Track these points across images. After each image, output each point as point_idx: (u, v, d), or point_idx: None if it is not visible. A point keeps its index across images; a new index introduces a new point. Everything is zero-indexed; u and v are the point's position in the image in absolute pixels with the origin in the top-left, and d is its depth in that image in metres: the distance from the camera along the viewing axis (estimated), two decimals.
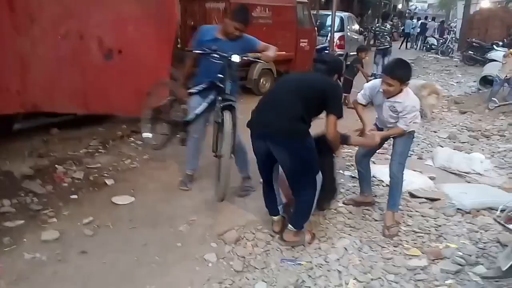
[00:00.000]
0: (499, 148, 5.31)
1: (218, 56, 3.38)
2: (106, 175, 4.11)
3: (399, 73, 2.92)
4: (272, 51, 3.46)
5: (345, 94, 7.33)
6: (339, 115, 2.80)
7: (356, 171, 3.75)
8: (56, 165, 4.15)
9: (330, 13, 10.70)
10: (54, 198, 3.59)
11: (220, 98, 3.37)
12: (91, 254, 2.84)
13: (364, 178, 3.62)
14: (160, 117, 3.98)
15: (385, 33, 9.87)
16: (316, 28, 10.35)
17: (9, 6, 4.22)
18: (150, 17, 5.27)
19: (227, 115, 3.28)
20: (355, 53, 7.84)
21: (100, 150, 4.72)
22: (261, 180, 3.15)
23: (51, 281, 2.57)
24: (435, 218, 3.48)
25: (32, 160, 4.26)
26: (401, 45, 21.20)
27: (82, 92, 4.95)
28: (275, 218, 3.18)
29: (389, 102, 3.06)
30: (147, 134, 4.07)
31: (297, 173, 2.84)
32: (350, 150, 5.18)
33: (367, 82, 7.44)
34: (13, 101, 4.36)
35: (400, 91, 2.98)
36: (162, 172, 4.29)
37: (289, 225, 3.01)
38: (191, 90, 3.62)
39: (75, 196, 3.65)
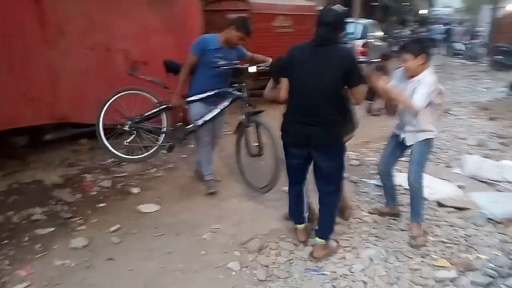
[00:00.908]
0: None
1: (235, 68, 3.65)
2: (132, 183, 4.20)
3: (409, 47, 2.96)
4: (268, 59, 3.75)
5: (369, 102, 7.30)
6: (364, 82, 2.77)
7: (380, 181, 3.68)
8: (85, 174, 4.28)
9: (353, 20, 10.68)
10: (82, 206, 3.69)
11: (247, 105, 3.68)
12: (118, 261, 2.89)
13: (388, 190, 3.55)
14: (142, 127, 3.92)
15: (404, 38, 9.87)
16: None
17: (40, 21, 4.41)
18: (174, 29, 5.40)
19: (262, 120, 3.61)
20: (379, 59, 7.73)
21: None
22: (286, 187, 3.13)
23: (80, 287, 2.63)
24: (464, 228, 3.37)
25: (62, 169, 4.41)
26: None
27: None
28: (301, 226, 3.15)
29: (411, 84, 2.98)
30: (114, 150, 3.82)
31: (334, 177, 2.89)
32: (374, 158, 5.11)
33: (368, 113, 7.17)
34: (43, 112, 4.54)
35: (421, 70, 2.94)
36: (186, 181, 4.34)
37: (316, 239, 2.99)
38: (193, 98, 3.76)
39: (103, 204, 3.74)
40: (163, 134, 3.91)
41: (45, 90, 4.54)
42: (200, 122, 3.80)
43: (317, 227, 3.03)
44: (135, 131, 3.90)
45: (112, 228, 3.31)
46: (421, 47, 2.95)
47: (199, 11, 6.15)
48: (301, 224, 3.16)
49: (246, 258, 2.96)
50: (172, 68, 3.87)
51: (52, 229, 3.29)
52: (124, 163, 4.59)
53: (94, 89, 4.95)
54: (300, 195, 3.08)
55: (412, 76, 2.99)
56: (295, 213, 3.15)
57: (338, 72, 2.63)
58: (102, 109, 3.84)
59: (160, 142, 3.91)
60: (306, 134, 2.72)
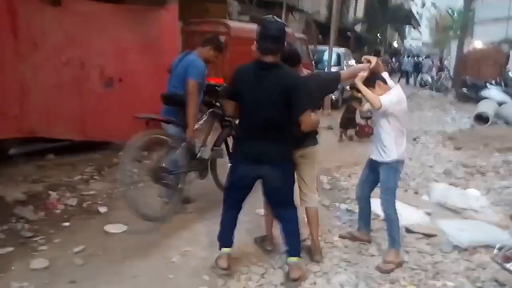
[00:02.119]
0: (494, 185, 5.31)
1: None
2: (100, 202, 4.07)
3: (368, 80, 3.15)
4: None
5: (341, 129, 7.65)
6: (312, 107, 2.78)
7: (354, 204, 3.71)
8: (49, 191, 4.11)
9: (327, 48, 11.02)
10: (45, 225, 3.53)
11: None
12: (80, 285, 2.75)
13: (363, 214, 3.58)
14: (163, 175, 3.64)
15: None
16: (313, 63, 10.59)
17: (13, 33, 4.32)
18: (151, 47, 5.41)
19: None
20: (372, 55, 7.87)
21: (95, 177, 4.69)
22: (259, 209, 3.05)
23: None
24: (432, 255, 3.43)
25: (25, 185, 4.23)
26: (398, 80, 21.78)
27: (80, 118, 5.00)
28: (227, 250, 2.96)
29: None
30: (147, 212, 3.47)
31: (288, 193, 2.84)
32: (345, 182, 5.18)
33: (361, 118, 7.50)
34: (10, 126, 4.39)
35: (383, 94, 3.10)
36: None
37: (290, 259, 2.88)
38: (198, 126, 3.73)
39: (67, 224, 3.59)
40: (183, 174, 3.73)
41: (13, 103, 4.40)
42: (206, 151, 3.82)
43: (286, 248, 2.94)
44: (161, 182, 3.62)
45: (76, 249, 3.17)
46: (372, 78, 3.15)
47: (178, 31, 6.20)
48: (228, 247, 2.97)
49: (215, 283, 2.88)
50: (174, 101, 3.70)
51: (11, 249, 3.11)
52: (92, 181, 4.46)
53: (65, 104, 4.85)
54: (236, 216, 2.97)
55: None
56: (228, 235, 2.97)
57: (281, 99, 2.61)
58: (127, 156, 3.42)
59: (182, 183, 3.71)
60: (259, 150, 2.69)
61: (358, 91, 3.16)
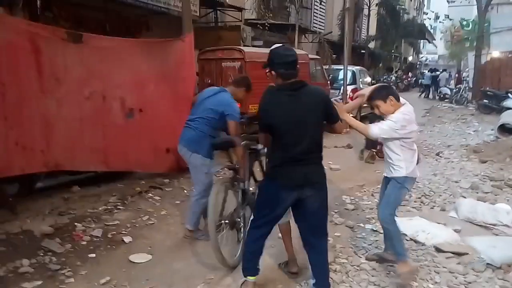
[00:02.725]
0: None
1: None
2: (124, 232, 4.11)
3: (372, 95, 3.17)
4: None
5: (373, 150, 7.20)
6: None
7: (378, 224, 3.63)
8: (75, 223, 4.18)
9: (342, 67, 11.06)
10: (72, 257, 3.58)
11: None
12: None
13: (387, 234, 3.50)
14: (238, 220, 3.55)
15: (390, 83, 10.41)
16: (329, 82, 10.63)
17: (38, 71, 4.50)
18: (170, 77, 5.55)
19: None
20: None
21: (119, 207, 4.75)
22: (255, 233, 2.87)
23: None
24: (464, 275, 3.30)
25: (52, 218, 4.31)
26: (420, 95, 21.82)
27: (103, 150, 5.11)
28: (253, 279, 2.91)
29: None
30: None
31: (325, 216, 2.81)
32: (369, 202, 5.09)
33: None
34: (37, 161, 4.51)
35: (393, 110, 3.09)
36: (179, 228, 4.25)
37: None
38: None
39: (93, 255, 3.63)
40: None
41: (39, 138, 4.55)
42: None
43: (314, 280, 2.83)
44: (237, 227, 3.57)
45: (102, 281, 3.19)
46: (378, 91, 3.18)
47: (194, 60, 6.35)
48: (254, 276, 2.92)
49: None
50: (225, 146, 3.81)
51: (40, 282, 3.16)
52: (116, 211, 4.53)
53: (88, 137, 4.98)
54: (262, 246, 2.91)
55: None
56: (252, 262, 2.90)
57: (320, 112, 2.70)
58: (213, 210, 3.32)
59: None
60: (305, 172, 2.66)
61: (377, 107, 3.16)
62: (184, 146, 3.80)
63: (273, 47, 2.83)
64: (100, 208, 4.62)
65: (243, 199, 3.63)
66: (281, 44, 2.93)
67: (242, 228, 3.56)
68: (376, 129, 3.06)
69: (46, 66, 4.57)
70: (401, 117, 3.04)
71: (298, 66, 2.71)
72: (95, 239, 3.93)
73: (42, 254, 3.57)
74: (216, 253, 3.26)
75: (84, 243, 3.85)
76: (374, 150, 7.21)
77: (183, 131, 3.91)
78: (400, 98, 3.17)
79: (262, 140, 3.02)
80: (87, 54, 4.91)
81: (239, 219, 3.52)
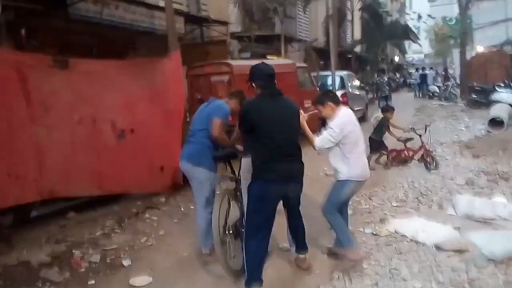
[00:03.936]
0: None
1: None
2: (122, 255, 4.05)
3: (314, 101, 3.60)
4: None
5: (370, 154, 6.86)
6: None
7: (378, 228, 3.65)
8: (73, 250, 4.12)
9: (330, 73, 11.15)
10: (71, 285, 3.53)
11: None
12: None
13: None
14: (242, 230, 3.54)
15: (384, 84, 10.59)
16: (318, 89, 10.69)
17: (26, 99, 4.48)
18: (159, 95, 5.55)
19: None
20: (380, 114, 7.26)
21: (116, 230, 4.70)
22: (254, 232, 3.04)
23: None
24: (466, 272, 3.29)
25: (49, 246, 4.25)
26: (415, 95, 22.06)
27: (97, 173, 5.07)
28: (302, 255, 3.51)
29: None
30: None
31: (299, 198, 3.32)
32: (367, 206, 5.08)
33: (398, 141, 7.07)
34: (30, 190, 4.46)
35: (333, 114, 3.44)
36: (178, 247, 4.21)
37: (302, 254, 3.48)
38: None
39: (92, 282, 3.57)
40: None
41: (31, 166, 4.51)
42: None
43: (295, 246, 3.50)
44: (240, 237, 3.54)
45: None
46: (319, 97, 3.57)
47: (182, 76, 6.37)
48: (260, 284, 3.00)
49: None
50: (222, 158, 3.79)
51: None
52: (113, 235, 4.49)
53: (82, 161, 4.95)
54: (266, 245, 3.17)
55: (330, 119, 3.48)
56: (257, 266, 3.01)
57: (296, 119, 3.21)
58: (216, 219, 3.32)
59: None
60: (289, 168, 3.08)
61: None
62: (187, 162, 3.74)
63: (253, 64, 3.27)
64: (97, 233, 4.57)
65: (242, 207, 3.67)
66: (261, 62, 3.38)
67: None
68: (318, 141, 3.39)
69: (34, 94, 4.55)
70: (337, 122, 3.39)
71: (275, 78, 3.17)
72: (93, 265, 3.87)
73: (40, 285, 3.51)
74: (222, 263, 3.29)
75: (83, 270, 3.78)
76: (384, 152, 6.99)
77: (183, 148, 3.91)
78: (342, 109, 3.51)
79: (238, 139, 3.42)
80: (75, 79, 4.91)
81: (242, 230, 3.51)
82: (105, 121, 5.19)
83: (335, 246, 3.67)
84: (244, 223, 3.48)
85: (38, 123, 4.61)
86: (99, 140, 5.13)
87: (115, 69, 5.41)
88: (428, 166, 6.48)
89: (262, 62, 3.35)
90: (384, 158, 7.05)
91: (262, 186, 3.01)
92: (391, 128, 7.04)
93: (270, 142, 3.01)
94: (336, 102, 3.50)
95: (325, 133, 3.39)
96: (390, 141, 7.18)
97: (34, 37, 7.03)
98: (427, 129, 6.97)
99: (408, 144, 6.98)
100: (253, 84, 3.16)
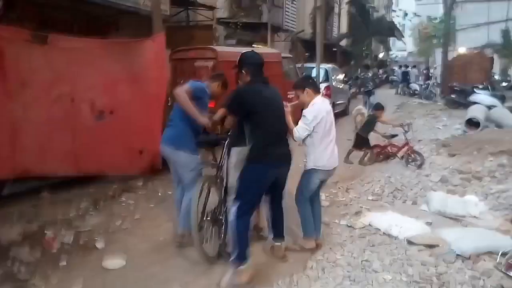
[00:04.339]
0: (491, 189, 5.31)
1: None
2: (96, 238, 4.00)
3: (294, 85, 3.72)
4: None
5: (357, 149, 7.08)
6: None
7: (353, 220, 3.71)
8: (45, 230, 4.04)
9: (314, 65, 11.18)
10: (42, 265, 3.47)
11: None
12: None
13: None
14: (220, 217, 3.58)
15: (368, 80, 10.81)
16: None
17: (1, 74, 4.32)
18: (141, 78, 5.44)
19: None
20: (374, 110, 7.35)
21: (91, 211, 4.64)
22: (247, 212, 3.18)
23: None
24: (435, 266, 3.39)
25: (21, 225, 4.15)
26: (396, 92, 22.30)
27: (73, 153, 4.97)
28: (278, 243, 3.59)
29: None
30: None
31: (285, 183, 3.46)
32: (343, 198, 5.16)
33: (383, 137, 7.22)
34: (3, 167, 4.34)
35: (309, 101, 3.54)
36: (154, 231, 4.19)
37: (278, 242, 3.57)
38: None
39: (64, 263, 3.52)
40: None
41: (5, 144, 4.38)
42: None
43: (273, 234, 3.58)
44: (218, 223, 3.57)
45: (75, 287, 3.10)
46: (299, 82, 3.72)
47: (166, 60, 6.26)
48: (248, 261, 3.15)
49: None
50: (205, 144, 3.82)
51: None
52: (88, 216, 4.42)
53: (58, 141, 4.83)
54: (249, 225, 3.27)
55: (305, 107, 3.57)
56: (247, 247, 3.15)
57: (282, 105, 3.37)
58: (196, 205, 3.32)
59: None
60: (284, 152, 3.26)
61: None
62: (167, 145, 3.70)
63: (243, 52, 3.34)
64: (71, 214, 4.49)
65: (225, 195, 3.66)
66: (251, 50, 3.49)
67: (223, 225, 3.59)
68: (295, 132, 3.46)
69: (10, 69, 4.39)
70: (311, 109, 3.49)
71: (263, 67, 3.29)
72: (66, 246, 3.82)
73: (10, 264, 3.44)
74: (198, 249, 3.31)
75: (55, 250, 3.73)
76: (367, 151, 7.04)
77: (164, 131, 3.86)
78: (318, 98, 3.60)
79: (229, 121, 3.36)
80: (54, 56, 4.76)
81: (221, 217, 3.57)
82: (84, 100, 5.07)
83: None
84: (223, 209, 3.54)
85: (14, 99, 4.46)
86: (77, 119, 5.01)
87: (97, 48, 5.26)
88: (410, 162, 6.58)
89: (252, 50, 3.46)
90: (368, 155, 7.13)
91: (260, 169, 3.13)
92: (377, 125, 7.20)
93: (268, 127, 3.14)
94: (316, 89, 3.63)
95: (300, 123, 3.48)
96: (373, 136, 7.35)
97: (12, 9, 6.75)
98: (410, 126, 7.16)
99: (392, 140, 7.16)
100: (243, 71, 3.22)
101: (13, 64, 4.41)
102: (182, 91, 3.52)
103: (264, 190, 3.27)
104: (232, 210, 3.16)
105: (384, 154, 7.17)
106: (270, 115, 3.14)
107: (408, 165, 6.53)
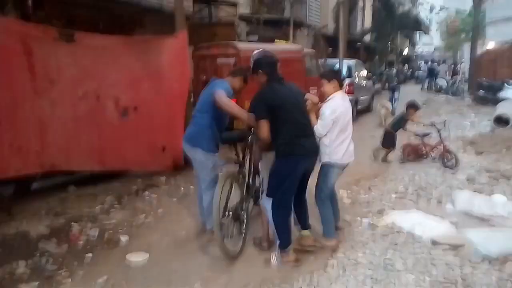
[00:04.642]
0: None
1: None
2: (120, 231, 4.10)
3: (322, 74, 3.82)
4: None
5: (385, 148, 6.82)
6: None
7: (375, 218, 3.66)
8: (71, 223, 4.17)
9: (337, 61, 11.03)
10: (69, 257, 3.58)
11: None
12: None
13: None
14: (242, 212, 3.67)
15: (393, 75, 13.10)
16: None
17: (31, 72, 4.46)
18: (164, 74, 5.51)
19: None
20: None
21: (115, 206, 4.74)
22: (287, 207, 3.35)
23: None
24: (460, 267, 3.31)
25: (48, 219, 4.30)
26: (422, 88, 21.88)
27: (98, 149, 5.09)
28: (306, 232, 3.60)
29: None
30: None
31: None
32: (366, 196, 5.09)
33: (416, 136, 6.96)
34: (32, 162, 4.49)
35: (332, 92, 3.60)
36: (176, 226, 4.25)
37: (305, 232, 3.61)
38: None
39: (89, 255, 3.62)
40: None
41: (34, 139, 4.52)
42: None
43: (301, 224, 3.62)
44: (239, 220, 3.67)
45: (99, 280, 3.19)
46: (328, 72, 3.79)
47: (188, 57, 6.31)
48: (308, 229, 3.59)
49: None
50: (228, 140, 3.85)
51: (37, 283, 3.16)
52: (112, 210, 4.53)
53: (84, 137, 4.96)
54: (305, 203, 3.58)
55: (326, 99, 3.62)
56: (289, 235, 3.39)
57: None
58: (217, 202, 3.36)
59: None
60: (313, 143, 3.38)
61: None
62: (186, 143, 3.77)
63: (255, 53, 3.40)
64: (96, 208, 4.61)
65: (247, 192, 3.74)
66: (261, 50, 3.47)
67: (245, 221, 3.66)
68: (319, 127, 3.49)
69: (39, 67, 4.53)
70: (329, 104, 3.54)
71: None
72: (91, 239, 3.92)
73: (38, 255, 3.57)
74: (220, 245, 3.33)
75: (81, 243, 3.84)
76: (391, 149, 6.80)
77: (186, 129, 3.92)
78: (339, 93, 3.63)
79: (265, 128, 3.21)
80: (80, 53, 4.87)
81: (242, 212, 3.62)
82: (109, 97, 5.17)
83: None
84: (245, 205, 3.68)
85: (42, 95, 4.60)
86: (102, 116, 5.12)
87: (121, 45, 5.36)
88: (446, 163, 6.23)
89: (264, 50, 3.45)
90: (394, 154, 6.84)
91: (292, 161, 3.22)
92: (408, 124, 6.81)
93: (294, 121, 3.23)
94: (340, 84, 3.70)
95: (319, 121, 3.52)
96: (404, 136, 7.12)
97: (40, 8, 6.95)
98: (446, 124, 6.79)
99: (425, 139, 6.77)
100: (259, 72, 3.30)
101: (41, 61, 4.54)
102: (226, 98, 3.52)
103: (297, 183, 3.30)
104: (267, 207, 3.32)
105: (415, 154, 6.79)
106: (293, 109, 3.23)
107: (443, 167, 6.18)
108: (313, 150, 3.38)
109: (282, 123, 3.18)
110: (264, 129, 3.17)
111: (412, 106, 6.89)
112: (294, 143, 3.21)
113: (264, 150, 3.43)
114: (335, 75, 3.71)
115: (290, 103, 3.23)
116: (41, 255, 3.58)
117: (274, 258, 3.41)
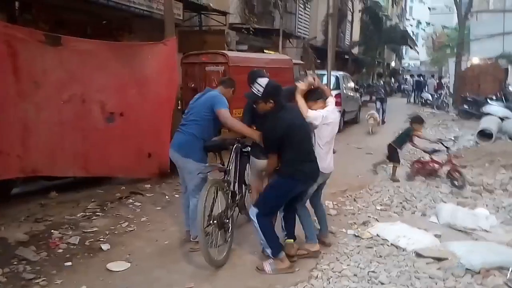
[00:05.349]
0: (503, 203, 5.20)
1: None
2: (102, 239, 4.01)
3: (307, 96, 3.71)
4: None
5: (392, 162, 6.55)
6: None
7: (360, 230, 3.65)
8: (52, 230, 4.07)
9: (325, 72, 11.12)
10: (47, 265, 3.47)
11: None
12: None
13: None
14: (226, 221, 3.60)
15: (380, 87, 13.49)
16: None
17: (15, 74, 4.39)
18: (151, 81, 5.48)
19: None
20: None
21: (97, 213, 4.65)
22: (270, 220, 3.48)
23: None
24: (444, 280, 3.32)
25: (28, 225, 4.19)
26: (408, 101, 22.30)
27: (83, 154, 5.01)
28: (290, 241, 3.61)
29: None
30: None
31: None
32: (351, 208, 5.10)
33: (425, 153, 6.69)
34: (13, 166, 4.39)
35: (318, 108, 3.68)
36: (160, 235, 4.18)
37: (289, 241, 3.61)
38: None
39: (69, 263, 3.52)
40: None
41: (16, 143, 4.42)
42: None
43: (285, 231, 3.66)
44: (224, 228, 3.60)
45: None
46: (316, 96, 3.72)
47: (177, 64, 6.29)
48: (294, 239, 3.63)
49: None
50: (212, 148, 3.80)
51: None
52: (94, 218, 4.44)
53: (68, 141, 4.88)
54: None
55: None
56: (277, 241, 3.47)
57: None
58: (201, 210, 3.32)
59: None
60: (315, 168, 3.47)
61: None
62: (175, 151, 3.72)
63: (264, 81, 3.38)
64: (78, 215, 4.51)
65: (232, 200, 3.74)
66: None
67: (230, 229, 3.62)
68: (311, 112, 3.60)
69: (24, 70, 4.46)
70: (325, 113, 3.66)
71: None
72: (72, 246, 3.83)
73: (16, 262, 3.45)
74: (204, 253, 3.30)
75: (61, 251, 3.74)
76: (397, 165, 6.44)
77: (174, 136, 3.86)
78: (331, 104, 3.78)
79: (274, 160, 3.43)
80: (66, 57, 4.81)
81: (227, 220, 3.59)
82: (95, 102, 5.11)
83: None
84: (230, 213, 3.66)
85: (26, 99, 4.52)
86: (87, 121, 5.05)
87: (109, 50, 5.32)
88: (456, 182, 5.88)
89: (273, 80, 3.48)
90: (401, 169, 6.59)
91: (291, 183, 3.38)
92: (415, 139, 6.52)
93: (299, 146, 3.38)
94: (324, 100, 3.79)
95: (314, 111, 3.63)
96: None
97: (27, 11, 6.86)
98: (457, 140, 6.67)
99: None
100: (270, 101, 3.34)
101: (26, 64, 4.47)
102: (233, 119, 3.68)
103: (286, 201, 3.48)
104: (253, 217, 3.36)
105: (425, 172, 6.41)
106: (299, 135, 3.37)
107: (451, 186, 5.88)
108: (312, 176, 3.52)
109: (288, 147, 3.34)
110: (274, 161, 3.42)
111: (416, 120, 6.54)
112: (296, 168, 3.35)
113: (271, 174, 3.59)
114: (317, 96, 3.73)
115: (296, 130, 3.36)
116: (19, 262, 3.47)
117: (267, 266, 3.41)
